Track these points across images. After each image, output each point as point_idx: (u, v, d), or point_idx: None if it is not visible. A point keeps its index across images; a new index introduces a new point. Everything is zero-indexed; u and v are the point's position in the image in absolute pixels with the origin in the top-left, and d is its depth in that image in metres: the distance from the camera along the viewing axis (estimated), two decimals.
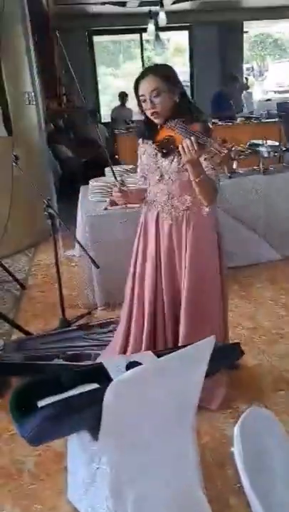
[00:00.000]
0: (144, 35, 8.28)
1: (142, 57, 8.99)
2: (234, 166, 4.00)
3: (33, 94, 4.89)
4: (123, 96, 7.69)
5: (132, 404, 1.29)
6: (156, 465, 1.47)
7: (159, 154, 1.93)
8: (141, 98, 1.86)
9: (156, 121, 1.89)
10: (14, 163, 2.65)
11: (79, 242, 2.99)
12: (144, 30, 7.70)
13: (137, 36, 8.96)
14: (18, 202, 4.10)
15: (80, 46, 8.12)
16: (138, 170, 2.13)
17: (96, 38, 8.69)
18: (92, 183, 3.49)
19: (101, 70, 9.82)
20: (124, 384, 1.22)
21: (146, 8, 7.25)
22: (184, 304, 2.03)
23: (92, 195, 3.46)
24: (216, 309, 2.07)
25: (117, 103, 7.82)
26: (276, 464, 0.99)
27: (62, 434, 1.47)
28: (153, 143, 1.95)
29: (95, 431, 1.33)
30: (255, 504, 0.86)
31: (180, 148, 1.71)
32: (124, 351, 2.19)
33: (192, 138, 1.66)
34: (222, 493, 1.70)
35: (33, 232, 4.49)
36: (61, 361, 2.44)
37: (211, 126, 2.09)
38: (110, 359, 1.53)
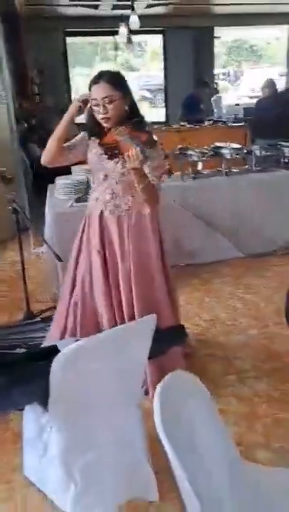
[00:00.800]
0: (117, 38, 8.39)
1: (116, 59, 9.11)
2: (199, 168, 4.18)
3: (3, 93, 4.97)
4: None
5: (78, 376, 1.41)
6: (103, 437, 1.59)
7: (105, 155, 2.01)
8: (93, 102, 1.96)
9: (105, 125, 1.99)
10: None
11: (43, 237, 3.09)
12: (118, 32, 7.83)
13: (111, 38, 9.08)
14: None
15: (53, 47, 8.19)
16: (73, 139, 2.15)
17: (69, 40, 8.76)
18: (59, 181, 3.59)
19: (77, 71, 9.91)
20: (69, 356, 1.34)
21: (118, 12, 7.37)
22: (135, 298, 2.12)
23: (58, 193, 3.56)
24: (163, 297, 2.20)
25: None
26: (197, 426, 1.12)
27: (12, 405, 1.58)
28: (99, 143, 2.03)
29: (46, 403, 1.45)
30: (176, 466, 0.99)
31: (126, 156, 1.82)
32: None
33: (138, 148, 1.78)
34: (167, 466, 1.84)
35: (2, 229, 4.54)
36: (23, 350, 2.54)
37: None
38: (63, 341, 1.65)
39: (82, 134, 2.14)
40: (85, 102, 2.01)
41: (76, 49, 9.77)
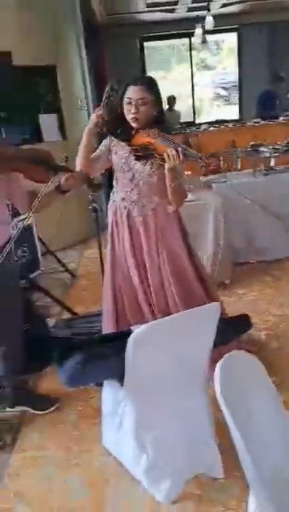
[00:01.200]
0: (193, 39, 8.49)
1: (191, 61, 9.19)
2: (271, 164, 4.18)
3: (85, 99, 5.31)
4: (171, 100, 7.93)
5: (148, 355, 1.58)
6: (172, 415, 1.75)
7: (132, 157, 2.09)
8: (126, 100, 2.06)
9: (133, 124, 2.08)
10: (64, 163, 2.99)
11: None
12: (193, 34, 7.94)
13: (187, 40, 9.19)
14: (70, 201, 4.47)
15: (130, 53, 8.49)
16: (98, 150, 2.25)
17: (146, 44, 9.02)
18: None
19: (153, 74, 10.14)
20: (140, 336, 1.52)
21: (194, 14, 7.48)
22: (177, 299, 2.22)
23: None
24: (200, 293, 2.27)
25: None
26: (257, 405, 1.23)
27: (94, 378, 1.79)
28: (129, 145, 2.10)
29: (122, 378, 1.64)
30: (238, 441, 1.11)
31: (166, 156, 1.88)
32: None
33: (179, 149, 1.87)
34: (232, 448, 1.96)
35: (84, 228, 4.87)
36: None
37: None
38: (136, 326, 1.83)
39: (103, 143, 2.23)
40: (101, 117, 2.10)
41: (153, 52, 9.99)
